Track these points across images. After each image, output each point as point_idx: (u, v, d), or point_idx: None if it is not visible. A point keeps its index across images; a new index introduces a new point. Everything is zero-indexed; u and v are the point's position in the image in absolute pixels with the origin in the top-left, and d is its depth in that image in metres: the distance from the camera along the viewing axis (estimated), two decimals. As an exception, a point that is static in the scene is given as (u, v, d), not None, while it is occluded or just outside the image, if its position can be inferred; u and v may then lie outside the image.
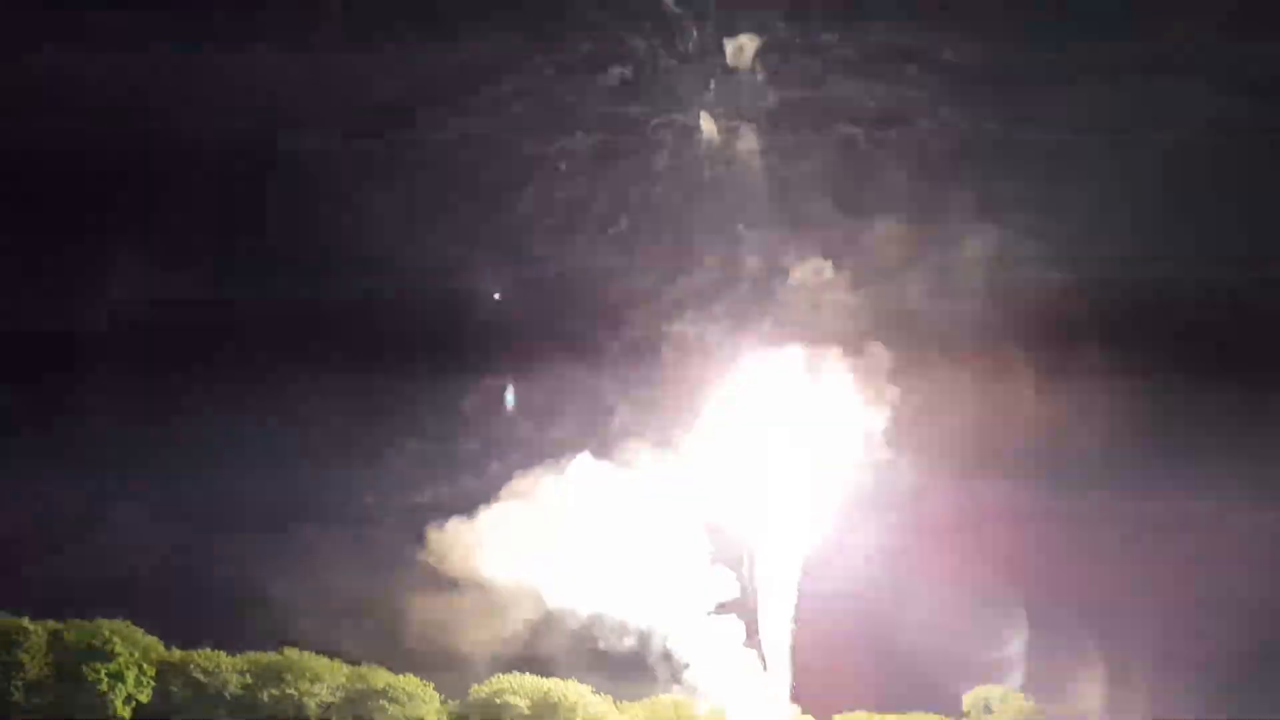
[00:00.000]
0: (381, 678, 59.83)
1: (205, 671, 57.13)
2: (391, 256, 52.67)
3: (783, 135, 49.60)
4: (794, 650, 55.46)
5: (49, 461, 54.50)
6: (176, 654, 57.80)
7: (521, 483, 57.42)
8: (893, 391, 53.54)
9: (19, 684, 53.14)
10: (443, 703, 61.29)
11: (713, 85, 50.16)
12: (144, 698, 58.28)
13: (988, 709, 62.75)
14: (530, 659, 57.29)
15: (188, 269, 54.07)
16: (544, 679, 59.18)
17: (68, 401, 55.14)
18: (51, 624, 57.71)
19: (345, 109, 49.49)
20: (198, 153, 50.57)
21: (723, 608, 56.28)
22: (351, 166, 50.38)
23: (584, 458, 57.00)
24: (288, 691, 57.13)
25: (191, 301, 53.00)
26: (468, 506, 57.86)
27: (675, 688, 59.28)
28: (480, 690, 58.38)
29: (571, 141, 49.42)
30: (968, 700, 62.26)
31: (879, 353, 54.14)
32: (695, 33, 49.39)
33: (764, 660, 56.15)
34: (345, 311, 52.35)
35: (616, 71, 48.54)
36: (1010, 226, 50.20)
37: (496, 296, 55.97)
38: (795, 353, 53.97)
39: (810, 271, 53.68)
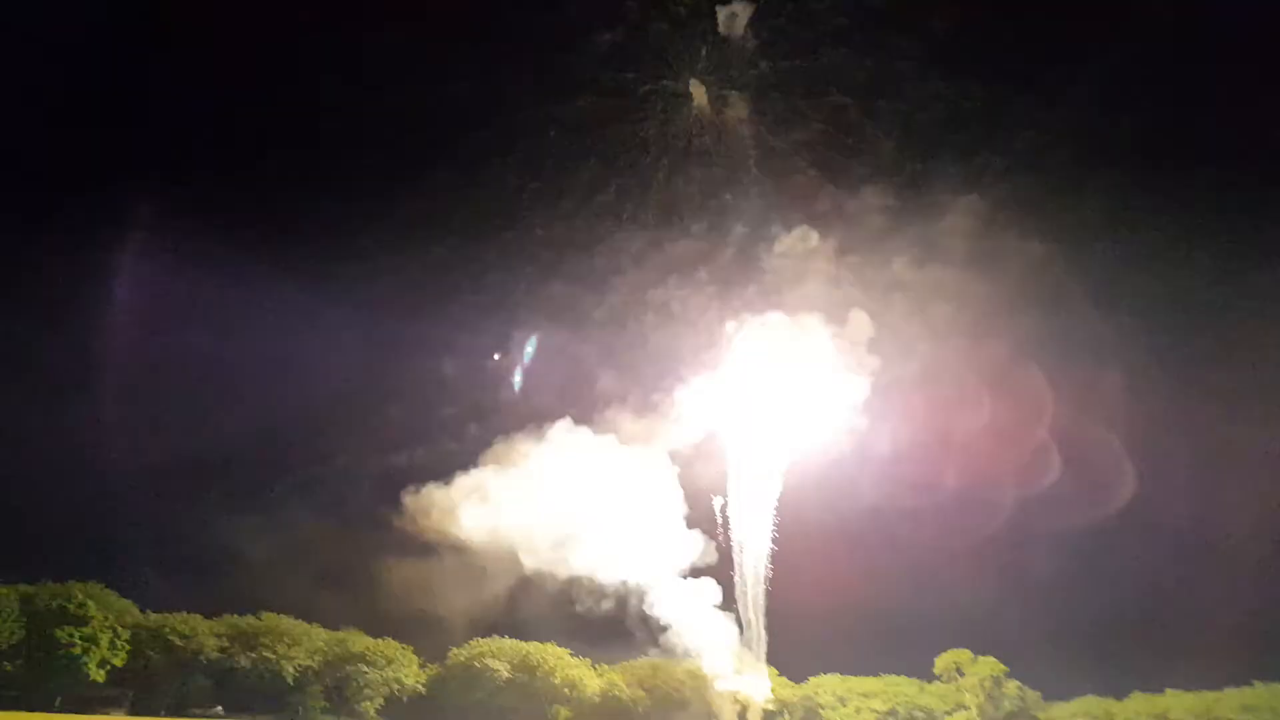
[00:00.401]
0: (360, 642, 59.81)
1: (181, 635, 56.74)
2: (373, 220, 52.03)
3: (773, 103, 49.50)
4: (770, 613, 55.94)
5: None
6: (152, 618, 57.36)
7: (501, 448, 57.33)
8: (873, 359, 54.01)
9: (-9, 647, 52.68)
10: (421, 666, 61.49)
11: (704, 52, 49.94)
12: (119, 661, 57.71)
13: (959, 672, 64.13)
14: (509, 623, 57.46)
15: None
16: (523, 642, 59.48)
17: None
18: (23, 587, 56.98)
19: (330, 69, 48.47)
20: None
21: (700, 571, 56.56)
22: (335, 127, 49.44)
23: (564, 423, 56.95)
24: (265, 655, 56.91)
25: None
26: (445, 471, 57.73)
27: (653, 650, 59.81)
28: (459, 654, 58.52)
29: (560, 107, 49.11)
30: (939, 663, 63.50)
31: (861, 321, 54.56)
32: (687, -2, 48.75)
33: (740, 623, 56.57)
34: (322, 274, 51.67)
35: (607, 37, 48.10)
36: (995, 196, 50.45)
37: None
38: (778, 320, 54.00)
39: (796, 239, 53.85)
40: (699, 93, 51.06)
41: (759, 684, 59.98)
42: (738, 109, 50.99)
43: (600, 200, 51.03)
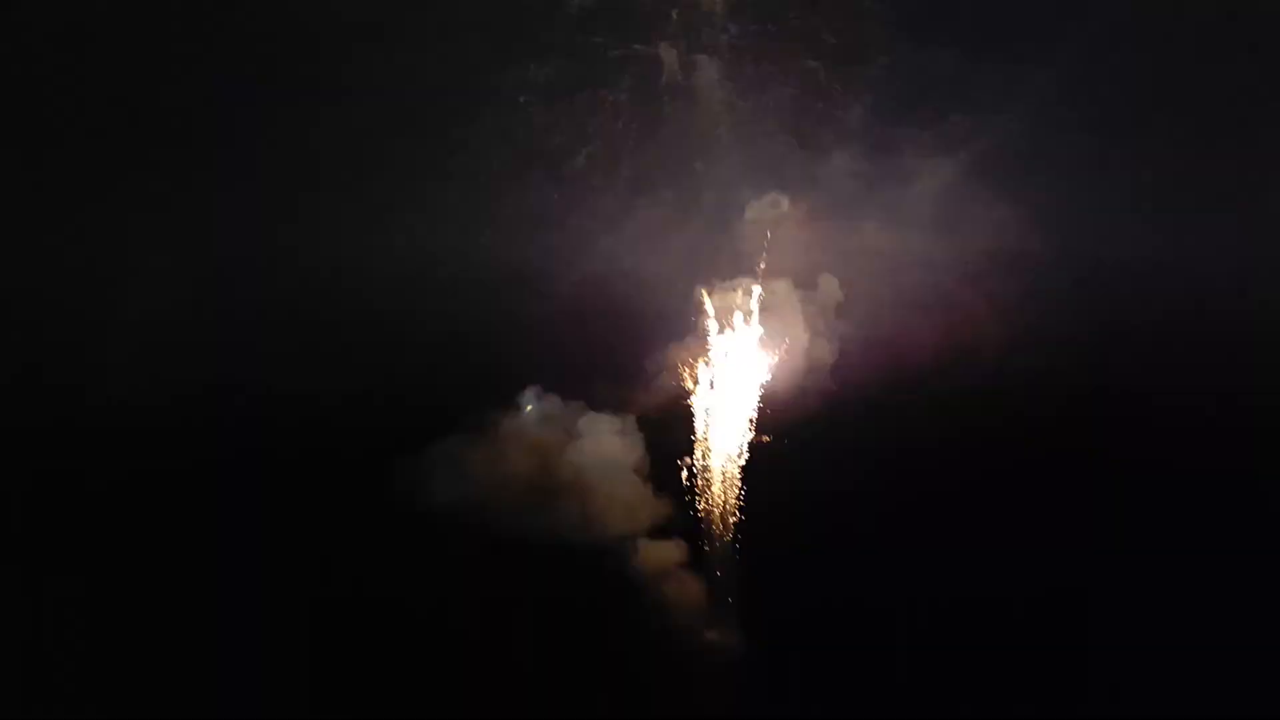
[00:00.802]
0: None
1: None
2: (334, 188, 51.04)
3: (744, 68, 48.98)
4: (739, 573, 56.65)
5: None
6: None
7: (470, 415, 57.07)
8: (843, 325, 54.40)
9: None
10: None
11: (674, 15, 49.17)
12: None
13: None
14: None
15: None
16: (495, 608, 59.83)
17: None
18: None
19: (287, 34, 47.03)
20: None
21: (668, 533, 57.05)
22: (292, 96, 48.09)
23: (533, 390, 56.72)
24: None
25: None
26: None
27: (623, 612, 60.40)
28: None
29: (528, 72, 48.11)
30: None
31: (831, 286, 54.79)
32: (658, -39, 47.93)
33: (709, 583, 57.24)
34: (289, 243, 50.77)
35: (576, 1, 47.04)
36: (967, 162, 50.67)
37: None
38: (747, 286, 54.14)
39: (766, 205, 53.69)
40: (670, 57, 50.55)
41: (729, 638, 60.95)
42: (708, 73, 50.58)
43: (569, 167, 50.51)
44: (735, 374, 55.32)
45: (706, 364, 55.47)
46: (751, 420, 55.50)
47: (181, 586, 50.78)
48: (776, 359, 54.62)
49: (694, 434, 56.23)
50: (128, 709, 45.91)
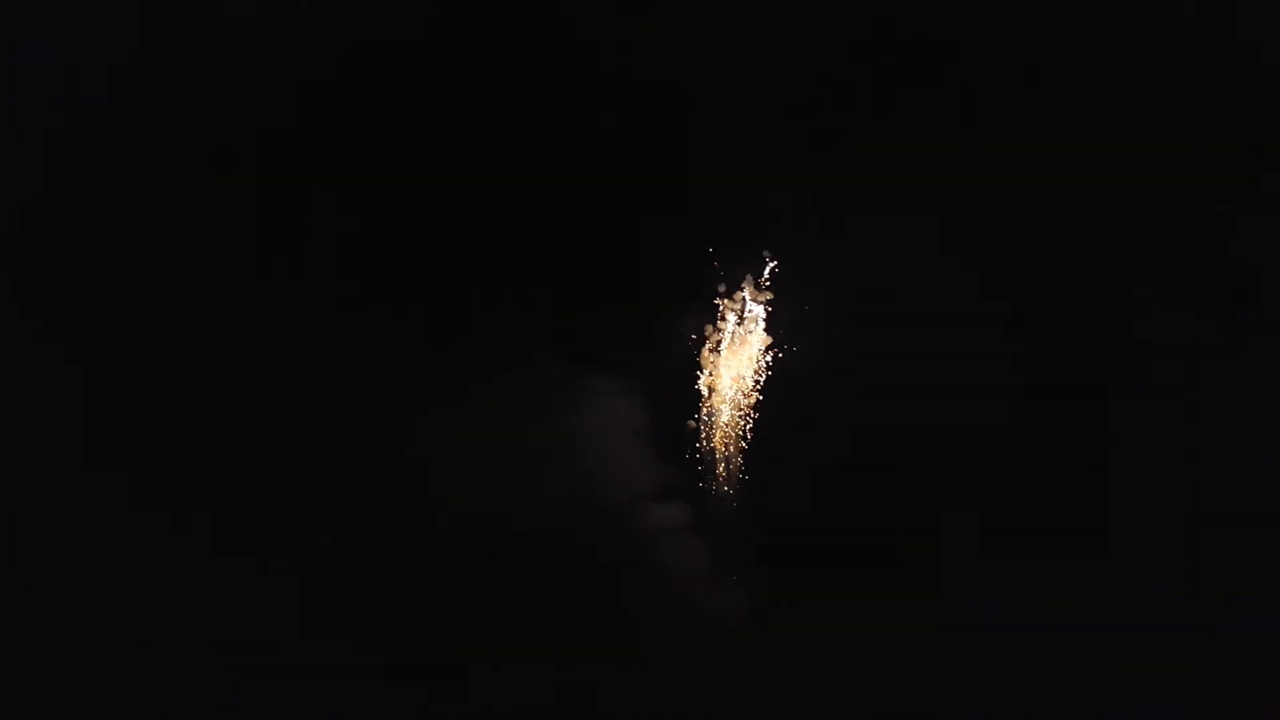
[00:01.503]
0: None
1: None
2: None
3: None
4: (738, 537, 57.41)
5: None
6: None
7: (469, 378, 56.82)
8: (848, 297, 54.23)
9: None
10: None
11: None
12: None
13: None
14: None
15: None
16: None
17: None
18: None
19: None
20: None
21: (668, 496, 57.64)
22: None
23: (536, 354, 56.49)
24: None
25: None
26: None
27: (623, 573, 61.02)
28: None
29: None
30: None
31: (837, 257, 54.43)
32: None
33: (708, 548, 57.94)
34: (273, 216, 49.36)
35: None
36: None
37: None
38: (752, 252, 54.09)
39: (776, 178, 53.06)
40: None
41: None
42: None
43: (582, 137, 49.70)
44: (744, 342, 55.55)
45: (714, 330, 55.60)
46: (758, 395, 55.90)
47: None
48: (787, 331, 54.88)
49: (699, 400, 56.56)
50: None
